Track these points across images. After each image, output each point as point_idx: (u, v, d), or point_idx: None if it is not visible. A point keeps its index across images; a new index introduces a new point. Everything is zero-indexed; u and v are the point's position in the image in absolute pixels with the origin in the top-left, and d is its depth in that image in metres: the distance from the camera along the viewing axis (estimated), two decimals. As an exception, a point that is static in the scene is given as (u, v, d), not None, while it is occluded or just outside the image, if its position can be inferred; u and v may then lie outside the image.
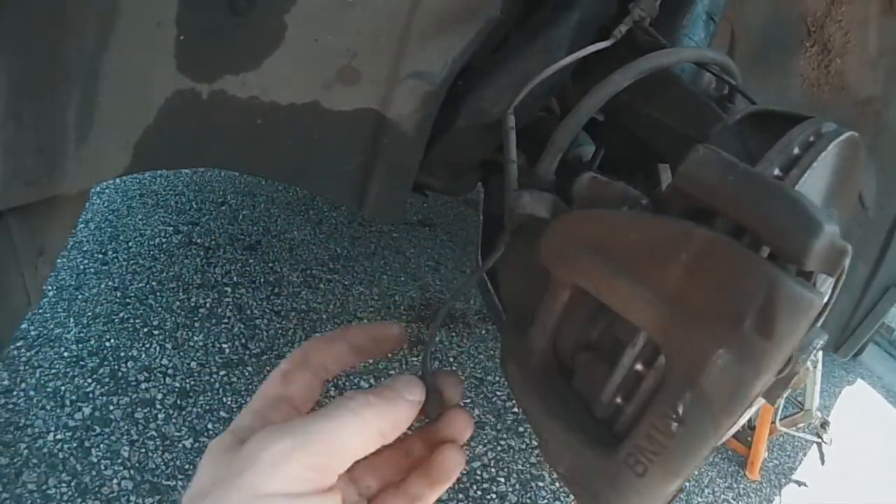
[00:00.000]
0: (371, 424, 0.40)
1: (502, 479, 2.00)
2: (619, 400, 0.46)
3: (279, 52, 0.75)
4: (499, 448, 2.11)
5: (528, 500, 1.98)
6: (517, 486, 1.99)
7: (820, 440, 2.73)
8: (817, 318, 0.43)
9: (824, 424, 2.70)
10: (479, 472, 1.99)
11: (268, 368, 1.96)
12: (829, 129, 0.48)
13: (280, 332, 2.16)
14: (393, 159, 0.87)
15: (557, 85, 0.88)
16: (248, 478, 0.34)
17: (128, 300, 2.05)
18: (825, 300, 0.44)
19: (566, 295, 0.48)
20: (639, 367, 0.45)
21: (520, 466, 2.06)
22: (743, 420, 0.58)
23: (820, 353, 2.24)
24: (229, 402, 1.84)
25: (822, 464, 2.75)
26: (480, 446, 2.08)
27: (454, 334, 2.50)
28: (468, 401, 2.21)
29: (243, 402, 1.83)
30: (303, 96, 0.80)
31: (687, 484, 2.34)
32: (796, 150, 0.45)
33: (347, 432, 0.38)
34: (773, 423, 2.52)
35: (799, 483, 2.66)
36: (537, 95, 0.86)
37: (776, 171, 0.44)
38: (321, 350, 0.48)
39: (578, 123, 0.61)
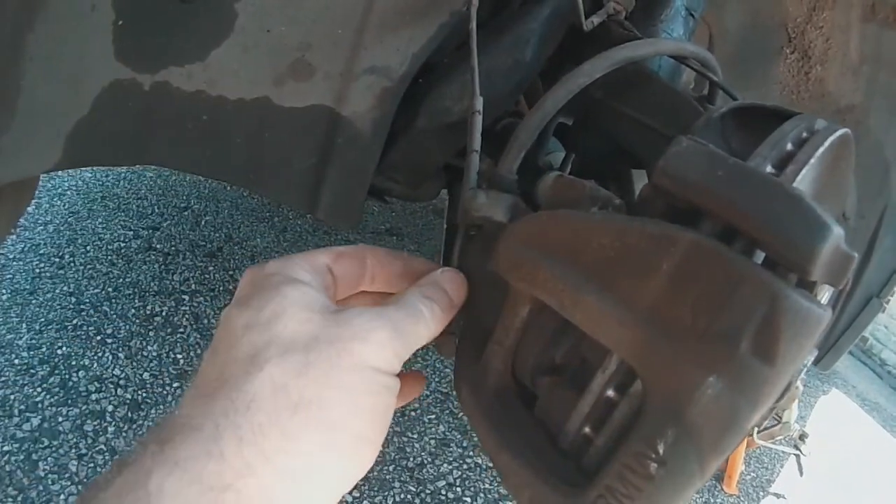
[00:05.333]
0: (436, 326, 0.45)
1: (469, 499, 1.93)
2: (587, 430, 0.40)
3: (228, 42, 0.72)
4: (465, 466, 2.03)
5: (496, 522, 1.90)
6: (484, 507, 1.92)
7: (798, 452, 2.72)
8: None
9: (802, 436, 2.69)
10: (444, 492, 1.90)
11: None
12: (821, 125, 0.43)
13: (237, 342, 2.09)
14: (348, 160, 0.83)
15: (522, 84, 0.83)
16: (357, 349, 0.39)
17: (82, 306, 1.99)
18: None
19: (525, 310, 0.42)
20: (610, 393, 0.38)
21: (487, 485, 2.00)
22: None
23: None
24: (182, 416, 1.76)
25: (801, 475, 2.73)
26: (445, 465, 2.00)
27: (419, 348, 2.42)
28: (433, 416, 2.15)
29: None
30: (252, 91, 0.77)
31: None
32: (789, 147, 0.40)
33: (423, 330, 0.44)
34: (751, 436, 2.50)
35: (777, 496, 2.65)
36: (500, 93, 0.81)
37: (769, 168, 0.39)
38: (378, 256, 0.50)
39: (544, 117, 0.54)
